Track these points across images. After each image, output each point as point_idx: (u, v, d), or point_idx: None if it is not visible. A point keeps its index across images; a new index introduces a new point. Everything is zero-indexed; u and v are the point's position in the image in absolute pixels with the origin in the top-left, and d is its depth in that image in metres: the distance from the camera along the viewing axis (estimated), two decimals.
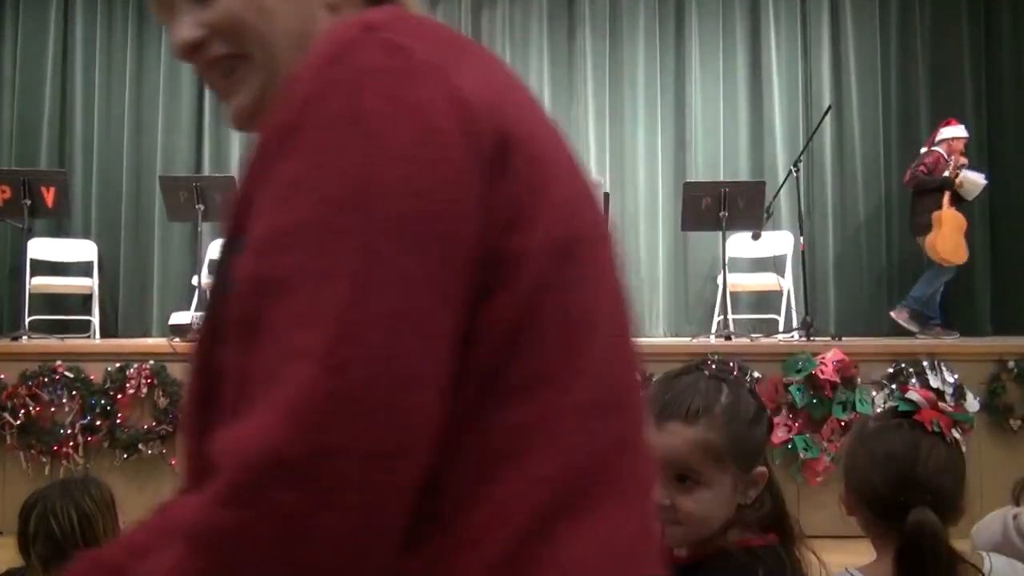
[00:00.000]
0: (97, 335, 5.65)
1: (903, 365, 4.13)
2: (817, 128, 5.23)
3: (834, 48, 6.36)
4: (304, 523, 0.39)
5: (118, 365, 4.20)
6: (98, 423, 4.11)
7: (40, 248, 5.68)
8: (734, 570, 1.02)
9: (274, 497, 0.39)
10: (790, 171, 5.03)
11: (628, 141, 6.34)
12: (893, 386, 4.03)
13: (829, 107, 5.47)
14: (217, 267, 0.53)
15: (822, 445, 3.93)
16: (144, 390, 4.15)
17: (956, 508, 1.17)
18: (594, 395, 0.45)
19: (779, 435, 3.88)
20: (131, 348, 4.47)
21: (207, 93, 6.35)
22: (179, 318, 4.60)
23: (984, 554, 1.24)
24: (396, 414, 0.40)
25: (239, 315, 0.44)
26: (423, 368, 0.41)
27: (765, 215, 5.00)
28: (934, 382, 4.07)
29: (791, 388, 3.99)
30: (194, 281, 5.54)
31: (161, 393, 4.15)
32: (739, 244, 5.66)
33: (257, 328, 0.42)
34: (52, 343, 4.60)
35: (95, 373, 4.19)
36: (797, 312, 5.44)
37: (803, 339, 4.59)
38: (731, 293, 5.42)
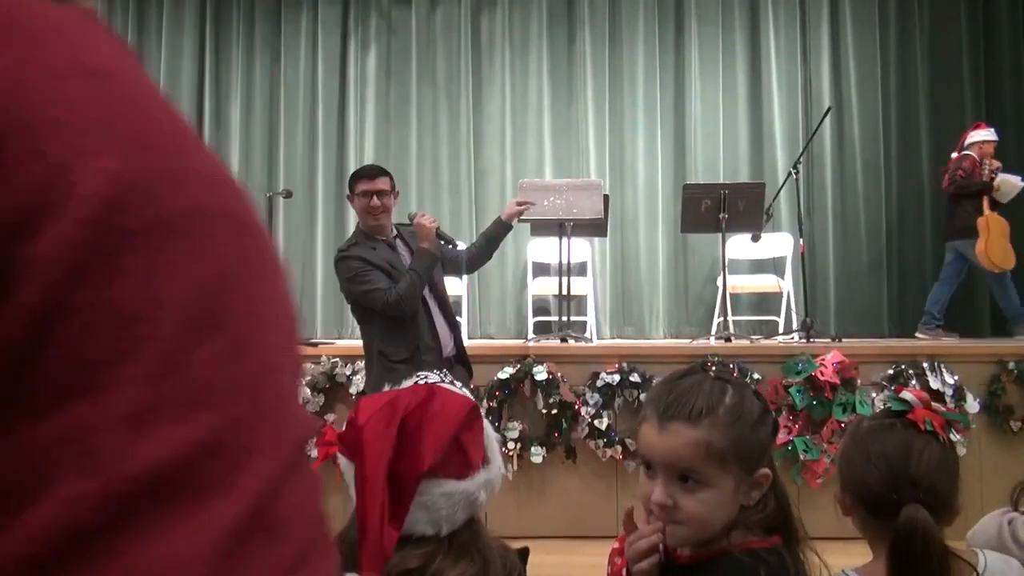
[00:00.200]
0: None
1: (903, 366, 4.13)
2: (817, 129, 5.23)
3: (833, 50, 6.37)
4: None
5: None
6: None
7: None
8: (736, 572, 1.02)
9: None
10: (790, 173, 5.03)
11: (628, 143, 6.35)
12: (893, 387, 4.03)
13: (829, 108, 5.47)
14: None
15: (822, 447, 3.93)
16: None
17: (950, 507, 1.17)
18: (149, 400, 0.38)
19: (779, 436, 3.88)
20: None
21: (207, 96, 6.37)
22: None
23: (979, 551, 1.25)
24: None
25: None
26: None
27: (765, 217, 5.00)
28: (934, 383, 4.07)
29: (791, 390, 3.99)
30: None
31: None
32: (739, 246, 5.67)
33: None
34: None
35: None
36: (797, 314, 5.44)
37: (803, 341, 4.59)
38: (731, 295, 5.42)
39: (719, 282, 5.37)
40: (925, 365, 4.12)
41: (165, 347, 0.37)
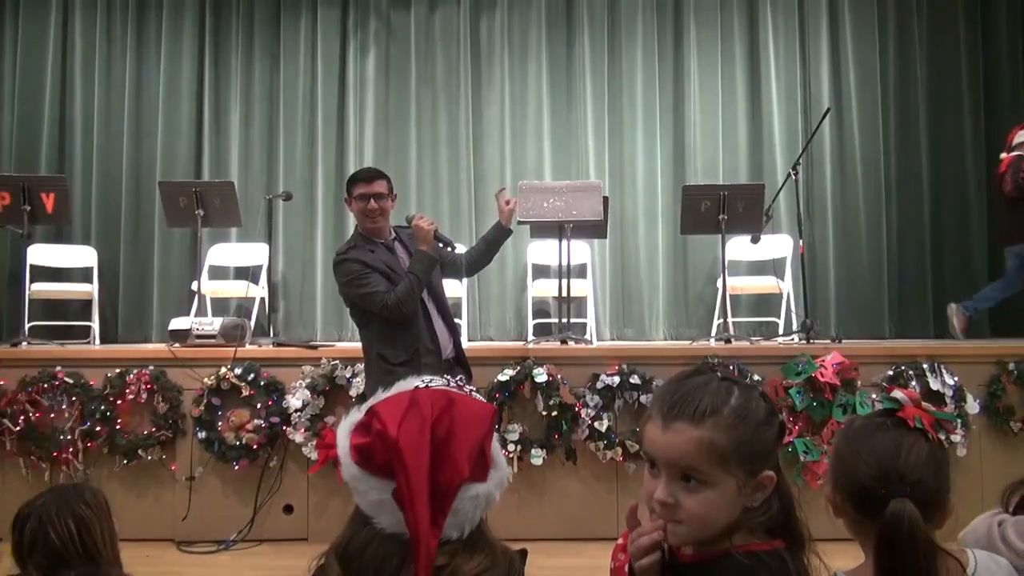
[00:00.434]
0: (97, 341, 5.65)
1: (903, 367, 4.13)
2: (816, 131, 5.23)
3: (832, 51, 6.37)
4: None
5: (118, 371, 4.20)
6: (97, 429, 4.11)
7: (40, 254, 5.68)
8: (736, 573, 1.02)
9: None
10: (789, 174, 5.03)
11: (627, 145, 6.35)
12: (884, 388, 4.03)
13: (828, 109, 5.47)
14: None
15: (822, 448, 3.93)
16: (144, 396, 4.14)
17: (940, 505, 1.18)
18: None
19: None
20: (130, 354, 4.46)
21: (207, 97, 6.37)
22: (178, 323, 4.59)
23: (969, 551, 1.25)
24: None
25: None
26: None
27: (764, 218, 5.00)
28: (934, 384, 4.07)
29: (791, 391, 3.99)
30: (193, 286, 5.54)
31: (160, 398, 4.15)
32: (738, 247, 5.67)
33: None
34: (52, 349, 4.59)
35: (95, 379, 4.19)
36: (797, 315, 5.44)
37: (803, 342, 4.59)
38: (731, 296, 5.43)
39: (719, 283, 5.37)
40: (925, 366, 4.12)
41: None
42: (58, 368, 4.18)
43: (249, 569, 3.80)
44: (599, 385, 4.09)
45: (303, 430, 4.08)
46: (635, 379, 4.08)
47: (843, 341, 4.79)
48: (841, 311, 6.18)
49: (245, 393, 4.13)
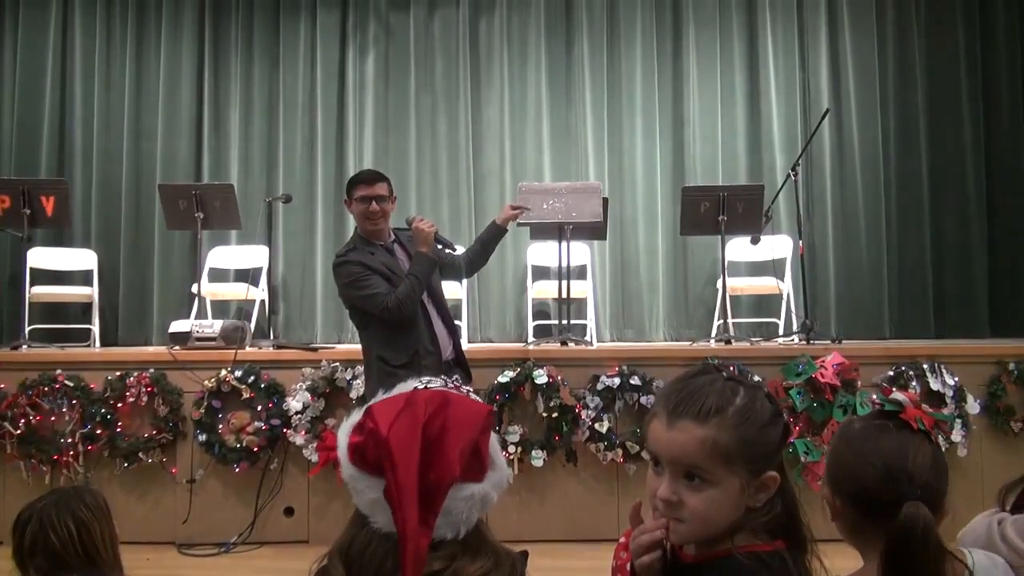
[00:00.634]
0: (97, 344, 5.65)
1: (903, 368, 4.13)
2: (815, 131, 5.23)
3: (831, 51, 6.37)
4: None
5: (118, 374, 4.20)
6: (98, 432, 4.11)
7: (40, 257, 5.68)
8: (737, 574, 1.02)
9: None
10: (788, 175, 5.03)
11: (627, 147, 6.35)
12: (881, 390, 4.03)
13: (827, 110, 5.47)
14: None
15: (823, 448, 3.92)
16: (144, 398, 4.14)
17: (940, 507, 1.17)
18: None
19: None
20: (131, 356, 4.46)
21: (206, 100, 6.38)
22: (179, 326, 4.59)
23: (967, 550, 1.25)
24: None
25: None
26: None
27: (764, 219, 5.00)
28: (934, 384, 4.06)
29: (791, 391, 3.99)
30: (193, 289, 5.54)
31: (161, 401, 4.15)
32: (738, 248, 5.67)
33: None
34: (52, 352, 4.59)
35: (95, 382, 4.19)
36: (797, 316, 5.44)
37: (803, 342, 4.59)
38: (731, 297, 5.43)
39: (719, 284, 5.37)
40: (925, 366, 4.11)
41: None
42: (58, 371, 4.18)
43: (250, 571, 3.80)
44: (599, 386, 4.09)
45: (303, 432, 4.08)
46: (635, 380, 4.07)
47: (843, 342, 4.78)
48: (841, 311, 6.18)
49: (245, 395, 4.13)
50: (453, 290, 5.51)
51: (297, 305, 6.24)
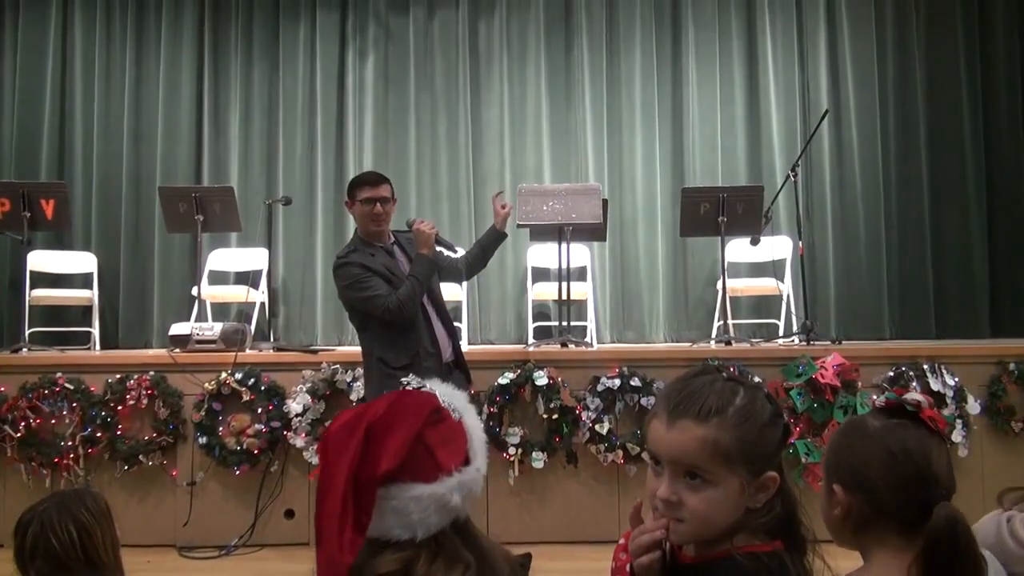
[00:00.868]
0: (97, 346, 5.65)
1: (903, 368, 4.13)
2: (815, 132, 5.24)
3: (831, 52, 6.38)
4: None
5: (118, 376, 4.20)
6: (98, 435, 4.11)
7: (40, 260, 5.68)
8: (736, 575, 1.02)
9: None
10: (788, 176, 5.03)
11: (626, 148, 6.35)
12: (893, 389, 4.03)
13: (827, 111, 5.47)
14: None
15: (823, 449, 3.91)
16: (144, 401, 4.14)
17: None
18: None
19: None
20: (131, 359, 4.46)
21: (206, 102, 6.38)
22: (179, 329, 4.59)
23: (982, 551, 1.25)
24: None
25: None
26: None
27: (764, 220, 5.00)
28: (935, 385, 4.06)
29: (792, 392, 3.99)
30: (194, 292, 5.54)
31: (161, 404, 4.15)
32: (738, 249, 5.67)
33: None
34: (52, 355, 4.59)
35: (95, 384, 4.19)
36: (797, 316, 5.44)
37: (803, 343, 4.59)
38: (731, 298, 5.43)
39: (719, 285, 5.37)
40: (926, 367, 4.12)
41: None
42: (59, 374, 4.18)
43: (251, 574, 3.80)
44: (600, 388, 4.09)
45: (304, 434, 4.08)
46: (636, 381, 4.07)
47: (843, 342, 4.79)
48: (841, 312, 6.18)
49: (246, 398, 4.13)
50: (453, 292, 5.51)
51: (297, 307, 6.24)
